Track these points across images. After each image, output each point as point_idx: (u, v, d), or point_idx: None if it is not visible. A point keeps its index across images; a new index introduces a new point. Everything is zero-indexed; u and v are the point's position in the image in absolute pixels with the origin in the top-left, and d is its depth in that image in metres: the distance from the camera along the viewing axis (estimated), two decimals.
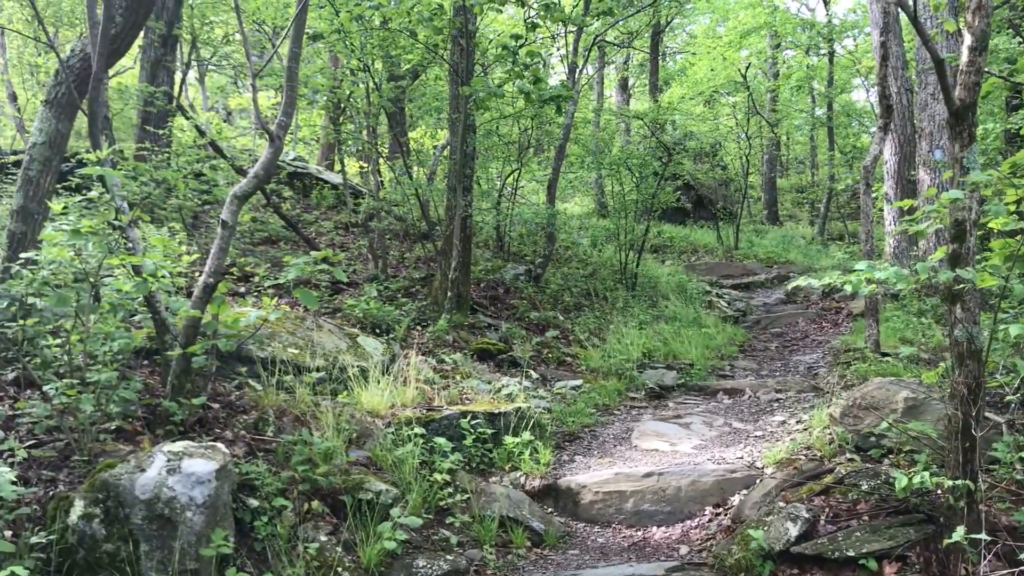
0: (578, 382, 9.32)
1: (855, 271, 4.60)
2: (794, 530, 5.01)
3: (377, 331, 9.29)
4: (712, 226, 23.44)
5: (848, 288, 4.67)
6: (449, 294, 10.66)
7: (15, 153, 13.66)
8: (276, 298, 7.24)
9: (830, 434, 6.40)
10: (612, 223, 16.10)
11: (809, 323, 13.42)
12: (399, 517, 5.09)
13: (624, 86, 30.09)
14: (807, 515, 5.10)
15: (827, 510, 5.23)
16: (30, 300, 5.13)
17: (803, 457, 6.24)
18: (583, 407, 8.47)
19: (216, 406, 5.77)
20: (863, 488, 5.35)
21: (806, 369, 10.30)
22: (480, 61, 12.76)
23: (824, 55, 26.78)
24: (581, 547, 5.75)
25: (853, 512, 5.19)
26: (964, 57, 4.44)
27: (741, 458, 6.76)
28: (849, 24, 25.71)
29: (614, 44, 24.93)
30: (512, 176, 15.37)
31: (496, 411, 7.04)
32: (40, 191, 6.32)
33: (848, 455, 6.00)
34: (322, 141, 20.62)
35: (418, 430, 6.26)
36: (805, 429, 7.05)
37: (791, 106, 28.14)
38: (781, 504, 5.36)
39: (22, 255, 5.47)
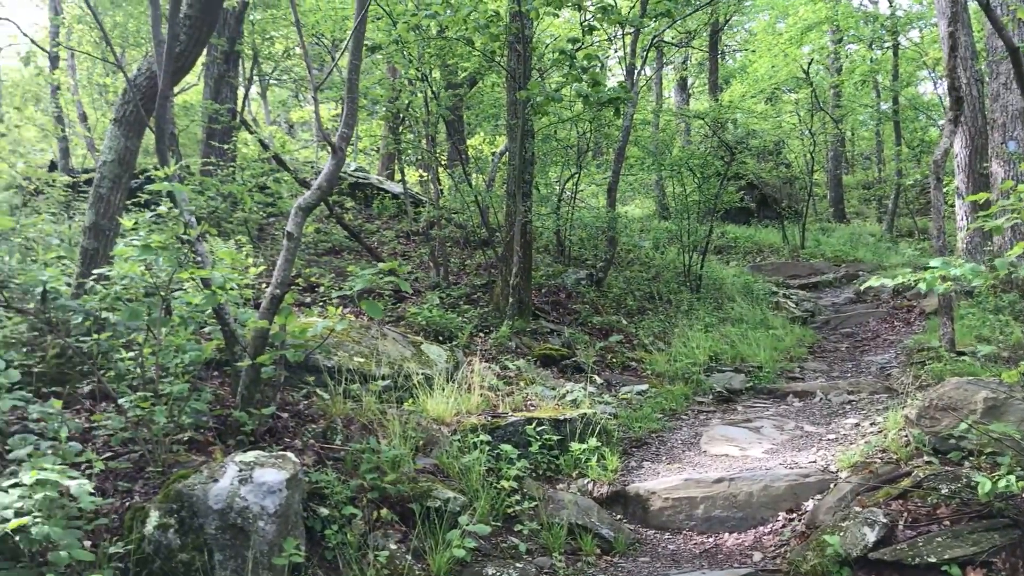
0: (644, 387, 9.22)
1: (929, 268, 4.46)
2: (872, 535, 4.87)
3: (440, 338, 9.32)
4: (777, 225, 23.06)
5: (922, 286, 4.54)
6: (510, 300, 10.66)
7: (86, 171, 14.08)
8: (341, 308, 7.31)
9: (906, 436, 6.21)
10: (674, 225, 15.94)
11: (880, 322, 13.09)
12: (467, 525, 5.08)
13: (683, 86, 29.82)
14: (885, 520, 4.96)
15: (905, 515, 5.07)
16: (104, 315, 5.26)
17: (878, 460, 6.07)
18: (650, 412, 8.38)
19: (285, 415, 5.84)
20: (943, 492, 5.18)
21: (878, 370, 10.04)
22: (537, 66, 12.76)
23: (888, 48, 26.17)
24: (651, 554, 5.67)
25: (933, 517, 5.02)
26: None
27: (814, 462, 6.60)
28: (914, 15, 25.09)
29: (672, 44, 24.72)
30: (571, 180, 15.32)
31: (561, 417, 6.99)
32: (111, 208, 6.49)
33: (926, 458, 5.81)
34: (382, 151, 20.84)
35: (484, 437, 6.25)
36: (880, 431, 6.86)
37: (855, 101, 27.53)
38: (857, 509, 5.21)
39: (95, 271, 5.61)
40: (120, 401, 4.86)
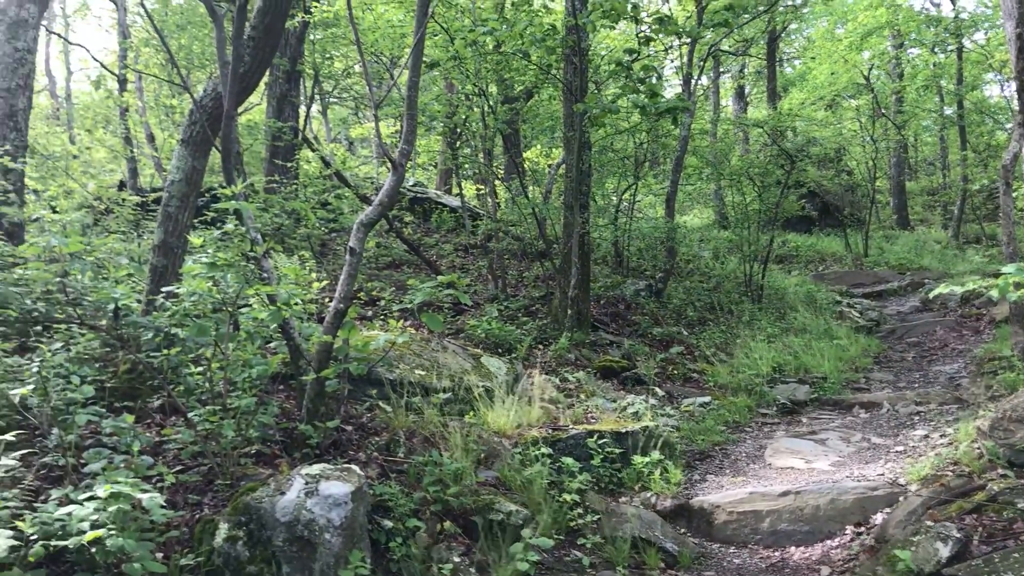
0: (706, 399, 9.12)
1: (1001, 275, 4.34)
2: (945, 551, 4.73)
3: (499, 351, 9.34)
4: (839, 233, 22.65)
5: (994, 293, 4.42)
6: (569, 312, 10.64)
7: (154, 191, 14.46)
8: (402, 321, 7.38)
9: (978, 449, 6.04)
10: (734, 234, 15.77)
11: (948, 331, 12.76)
12: (530, 538, 5.07)
13: (740, 94, 29.54)
14: (958, 535, 4.82)
15: (980, 530, 4.93)
16: (173, 330, 5.38)
17: (950, 473, 5.91)
18: (712, 424, 8.28)
19: (349, 428, 5.91)
20: (1019, 507, 5.02)
21: (947, 380, 9.79)
22: (593, 78, 12.76)
23: (952, 51, 25.57)
24: (717, 568, 5.59)
25: (1009, 532, 4.87)
26: None
27: (882, 475, 6.46)
28: (979, 17, 24.47)
29: (729, 53, 24.52)
30: (629, 191, 15.27)
31: (623, 430, 6.95)
32: (179, 226, 6.65)
33: (1000, 471, 5.64)
34: (440, 166, 21.03)
35: (545, 450, 6.24)
36: (950, 443, 6.68)
37: (918, 106, 26.95)
38: (929, 523, 5.08)
39: (164, 288, 5.75)
40: (190, 415, 4.97)
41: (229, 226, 5.43)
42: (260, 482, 4.51)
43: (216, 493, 4.69)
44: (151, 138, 22.05)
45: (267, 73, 11.74)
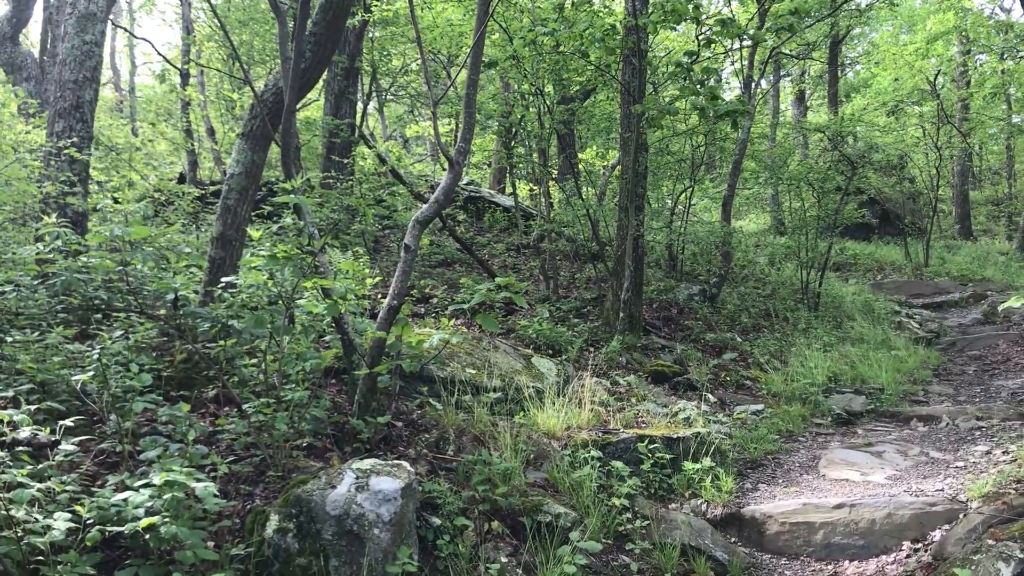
0: (759, 407, 8.98)
1: None
2: (1007, 571, 4.58)
3: (550, 352, 9.30)
4: (899, 242, 22.18)
5: None
6: (621, 315, 10.56)
7: (213, 183, 14.69)
8: (454, 319, 7.38)
9: None
10: (791, 240, 15.52)
11: (1011, 345, 12.40)
12: (578, 541, 5.02)
13: (801, 99, 29.09)
14: (1021, 555, 4.66)
15: None
16: (229, 322, 5.44)
17: (1013, 491, 5.73)
18: (765, 433, 8.14)
19: (399, 424, 5.92)
20: None
21: (1010, 395, 9.51)
22: (651, 79, 12.64)
23: (1022, 58, 24.90)
24: None
25: None
26: None
27: (941, 490, 6.28)
28: None
29: (791, 56, 24.15)
30: (684, 194, 15.11)
31: (674, 436, 6.86)
32: (238, 219, 6.72)
33: None
34: (494, 165, 21.05)
35: (595, 453, 6.19)
36: (1013, 461, 6.48)
37: (985, 114, 26.28)
38: (990, 542, 4.92)
39: (222, 279, 5.82)
40: (243, 406, 5.01)
41: (287, 220, 5.47)
42: (311, 475, 4.53)
43: (267, 484, 4.72)
44: (211, 132, 22.42)
45: (326, 70, 11.84)
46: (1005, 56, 26.33)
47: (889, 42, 26.84)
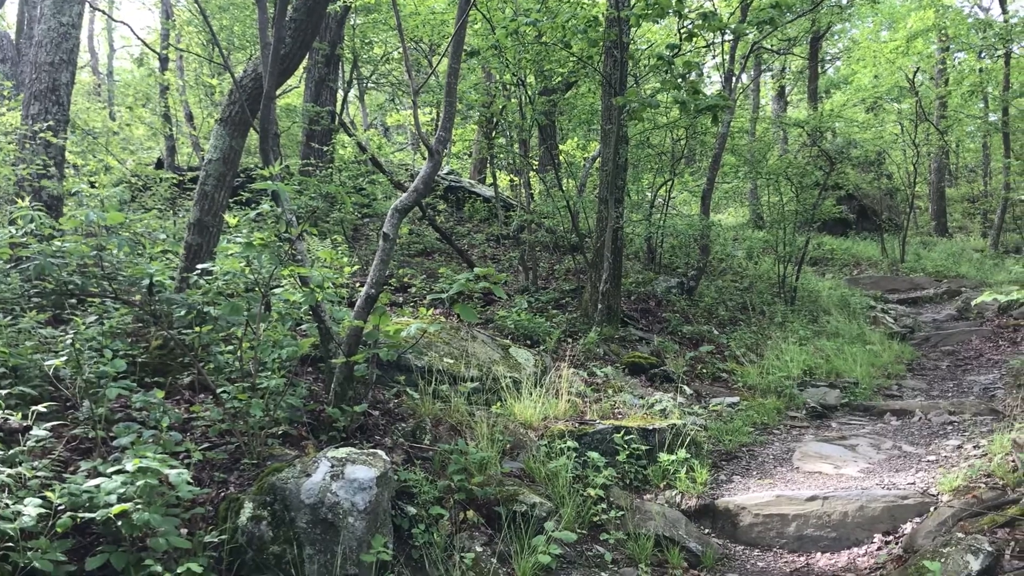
0: (735, 399, 9.03)
1: None
2: (975, 564, 4.64)
3: (528, 342, 9.32)
4: (876, 238, 22.37)
5: None
6: (599, 306, 10.58)
7: (192, 169, 14.56)
8: (432, 309, 7.37)
9: (1013, 461, 5.92)
10: (769, 235, 15.60)
11: (984, 341, 12.54)
12: (553, 531, 5.04)
13: (781, 94, 29.22)
14: (990, 548, 4.72)
15: (1012, 544, 4.82)
16: (205, 309, 5.41)
17: (983, 485, 5.80)
18: (740, 425, 8.20)
19: (376, 413, 5.91)
20: None
21: (981, 390, 9.62)
22: (633, 72, 12.66)
23: (999, 57, 25.11)
24: (740, 571, 5.53)
25: None
26: None
27: (913, 484, 6.35)
28: None
29: (772, 51, 24.24)
30: (664, 187, 15.15)
31: (650, 427, 6.90)
32: (215, 205, 6.67)
33: None
34: (475, 155, 21.01)
35: (571, 443, 6.21)
36: (984, 455, 6.56)
37: (962, 111, 26.51)
38: (960, 535, 4.98)
39: (198, 266, 5.78)
40: (218, 393, 4.99)
41: (265, 207, 5.44)
42: (286, 463, 4.52)
43: (242, 472, 4.71)
44: (190, 117, 22.23)
45: (307, 56, 11.76)
46: (983, 54, 26.55)
47: (869, 39, 26.99)
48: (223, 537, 4.10)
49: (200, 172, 6.81)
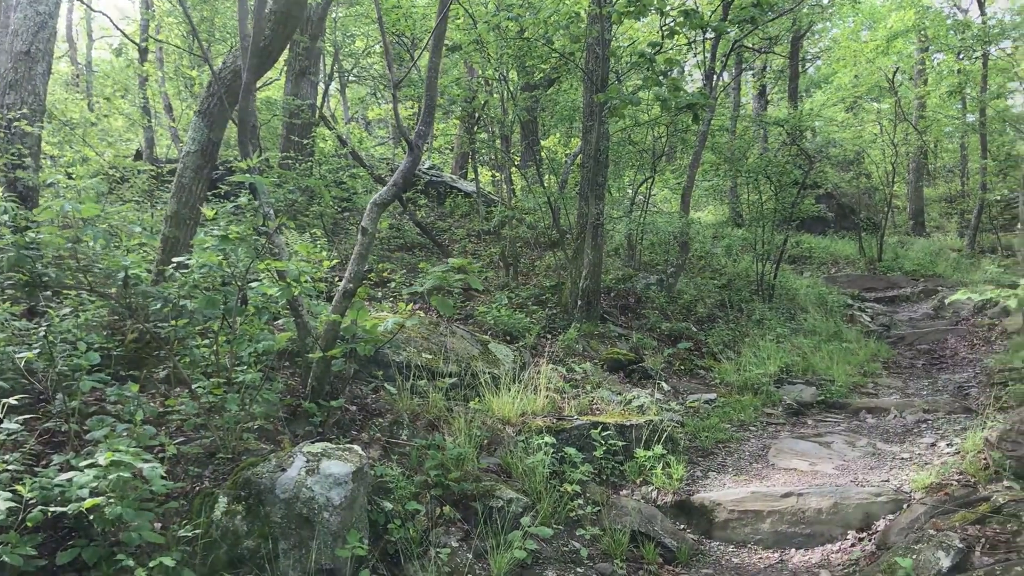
0: (712, 396, 9.08)
1: (1021, 286, 4.28)
2: (946, 560, 4.70)
3: (508, 338, 9.32)
4: (854, 237, 22.51)
5: (1011, 303, 4.36)
6: (579, 303, 10.60)
7: (170, 161, 14.46)
8: (412, 304, 7.36)
9: (985, 459, 5.99)
10: (748, 233, 15.68)
11: (959, 340, 12.66)
12: (529, 527, 5.05)
13: (762, 93, 29.35)
14: (960, 545, 4.78)
15: (983, 541, 4.88)
16: (182, 302, 5.37)
17: (955, 483, 5.87)
18: (717, 422, 8.24)
19: (353, 408, 5.90)
20: None
21: (956, 389, 9.71)
22: (615, 68, 12.67)
23: (977, 58, 25.32)
24: (715, 567, 5.57)
25: (1012, 545, 4.82)
26: None
27: (886, 481, 6.41)
28: (1008, 25, 24.21)
29: (753, 50, 24.34)
30: (645, 184, 15.19)
31: (627, 423, 6.92)
32: (192, 197, 6.63)
33: (1006, 483, 5.59)
34: (456, 150, 20.98)
35: (548, 439, 6.22)
36: (957, 453, 6.63)
37: (940, 112, 26.71)
38: (931, 532, 5.04)
39: (175, 259, 5.74)
40: (194, 387, 4.96)
41: (242, 200, 5.41)
42: (261, 457, 4.50)
43: (217, 466, 4.68)
44: (169, 109, 22.05)
45: (287, 49, 11.69)
46: (962, 56, 26.76)
47: (850, 39, 27.15)
48: (197, 531, 4.08)
49: (178, 164, 6.76)
